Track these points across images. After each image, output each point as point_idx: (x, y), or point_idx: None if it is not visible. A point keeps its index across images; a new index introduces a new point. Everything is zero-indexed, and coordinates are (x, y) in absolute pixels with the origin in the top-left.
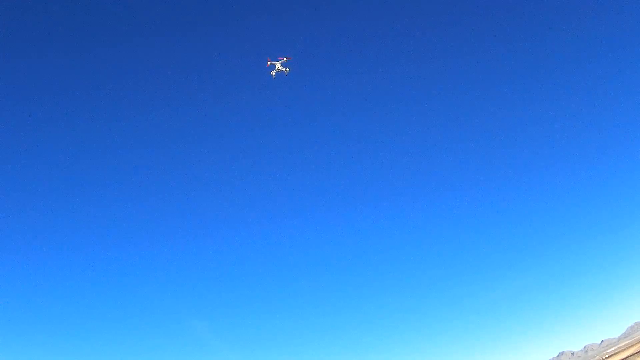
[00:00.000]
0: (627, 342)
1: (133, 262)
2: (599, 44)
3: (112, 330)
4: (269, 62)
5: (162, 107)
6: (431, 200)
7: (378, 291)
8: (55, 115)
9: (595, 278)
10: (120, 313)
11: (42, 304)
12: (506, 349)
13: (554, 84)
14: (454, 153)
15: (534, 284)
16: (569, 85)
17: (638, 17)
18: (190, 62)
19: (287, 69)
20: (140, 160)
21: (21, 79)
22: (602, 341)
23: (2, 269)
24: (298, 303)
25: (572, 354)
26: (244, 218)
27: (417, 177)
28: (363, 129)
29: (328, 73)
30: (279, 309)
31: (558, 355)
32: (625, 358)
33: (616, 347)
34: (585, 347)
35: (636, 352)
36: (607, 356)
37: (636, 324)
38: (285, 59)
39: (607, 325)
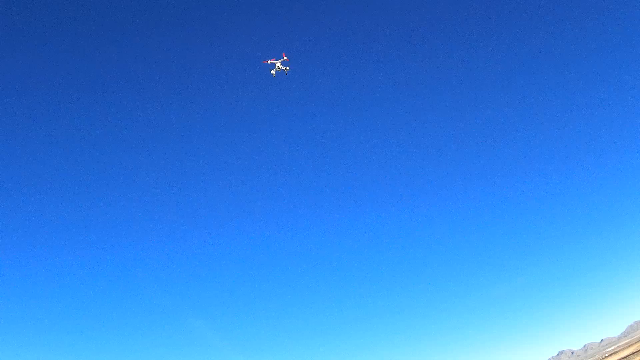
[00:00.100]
0: (627, 341)
1: (133, 262)
2: (599, 44)
3: (112, 329)
4: (268, 61)
5: (161, 107)
6: (430, 200)
7: (377, 291)
8: (55, 115)
9: (595, 277)
10: (120, 312)
11: (42, 303)
12: (506, 347)
13: (554, 84)
14: (453, 153)
15: (534, 283)
16: (568, 86)
17: (638, 17)
18: (190, 62)
19: (287, 68)
20: (140, 160)
21: (21, 79)
22: (602, 340)
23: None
24: (297, 302)
25: (572, 352)
26: (243, 217)
27: (416, 177)
28: (363, 129)
29: (328, 73)
30: (278, 308)
31: (558, 354)
32: (625, 357)
33: (616, 346)
34: (585, 345)
35: (636, 351)
36: (607, 355)
37: (636, 323)
38: (285, 58)
39: (607, 324)
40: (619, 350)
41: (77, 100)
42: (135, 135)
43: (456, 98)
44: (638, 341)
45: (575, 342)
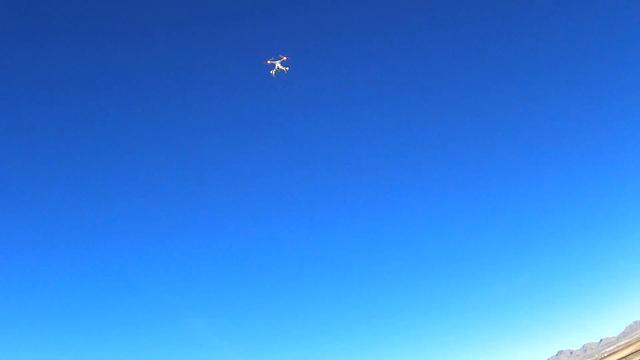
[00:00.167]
0: (626, 341)
1: (132, 261)
2: (599, 44)
3: (112, 328)
4: (268, 61)
5: (161, 107)
6: (429, 200)
7: (376, 290)
8: (55, 115)
9: (595, 277)
10: (119, 311)
11: (41, 303)
12: (505, 347)
13: (554, 83)
14: (452, 153)
15: (533, 283)
16: (568, 85)
17: (638, 17)
18: (190, 62)
19: (287, 68)
20: (139, 159)
21: (21, 79)
22: (601, 340)
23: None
24: (296, 301)
25: (571, 352)
26: (242, 217)
27: (414, 177)
28: (362, 129)
29: (328, 73)
30: (278, 308)
31: (557, 354)
32: (624, 357)
33: (615, 346)
34: (584, 346)
35: (635, 351)
36: (606, 355)
37: (635, 323)
38: (285, 58)
39: (606, 324)
40: (618, 350)
41: (77, 100)
42: (134, 134)
43: (455, 98)
44: (637, 341)
45: (574, 342)
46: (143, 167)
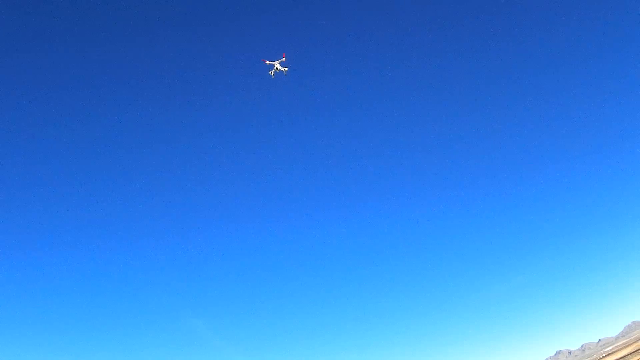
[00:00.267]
0: (624, 341)
1: (132, 261)
2: (599, 44)
3: (111, 328)
4: (267, 61)
5: (161, 106)
6: (428, 200)
7: (375, 290)
8: (55, 115)
9: (593, 277)
10: (119, 311)
11: (41, 303)
12: (504, 348)
13: (554, 83)
14: (451, 153)
15: (531, 283)
16: (568, 85)
17: (638, 17)
18: (189, 62)
19: (286, 69)
20: (139, 159)
21: (21, 79)
22: (600, 340)
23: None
24: (296, 301)
25: (570, 352)
26: (242, 217)
27: (413, 177)
28: (362, 129)
29: (327, 73)
30: (277, 308)
31: (555, 354)
32: (623, 357)
33: (613, 346)
34: (582, 346)
35: (633, 351)
36: (604, 355)
37: (634, 323)
38: (284, 59)
39: (605, 325)
40: (616, 351)
41: (77, 100)
42: (133, 134)
43: (454, 98)
44: (636, 341)
45: (572, 342)
46: (143, 168)
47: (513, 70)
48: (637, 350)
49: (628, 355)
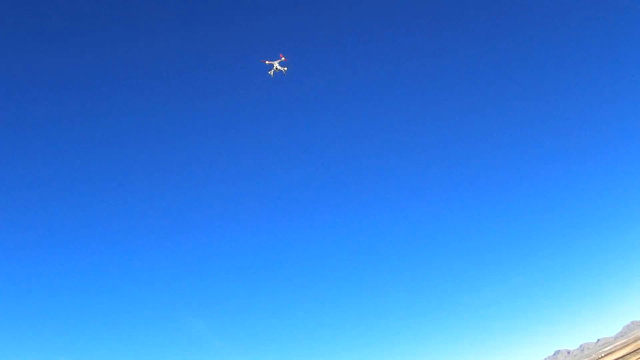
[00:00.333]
0: (623, 341)
1: (131, 261)
2: (599, 44)
3: (110, 328)
4: (266, 62)
5: (160, 106)
6: (426, 200)
7: (374, 290)
8: (55, 115)
9: (592, 277)
10: (118, 311)
11: (39, 302)
12: (502, 347)
13: (554, 83)
14: (449, 153)
15: (530, 282)
16: (568, 85)
17: (638, 17)
18: (189, 62)
19: (285, 69)
20: (138, 159)
21: (21, 79)
22: (599, 340)
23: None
24: (296, 301)
25: (569, 352)
26: (241, 216)
27: (412, 177)
28: (361, 129)
29: (326, 73)
30: (276, 308)
31: (554, 354)
32: (622, 357)
33: (612, 346)
34: (581, 345)
35: (632, 351)
36: (603, 355)
37: (632, 323)
38: (283, 59)
39: (604, 324)
40: (615, 350)
41: (76, 100)
42: (132, 134)
43: (453, 97)
44: (634, 341)
45: (571, 342)
46: (143, 168)
47: (513, 70)
48: (636, 350)
49: (627, 355)
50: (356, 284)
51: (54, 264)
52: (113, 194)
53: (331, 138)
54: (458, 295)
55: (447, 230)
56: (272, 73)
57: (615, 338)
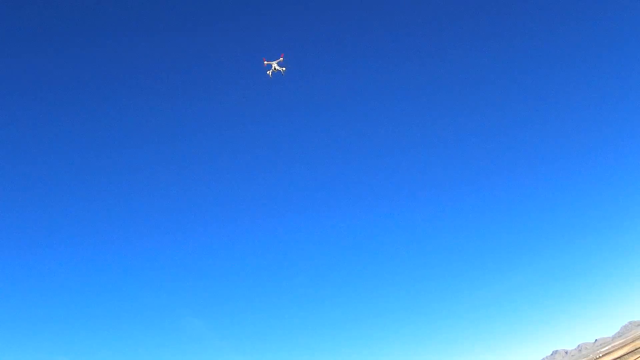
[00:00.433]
0: (621, 341)
1: (130, 261)
2: (599, 44)
3: (109, 328)
4: (265, 62)
5: (159, 106)
6: (425, 200)
7: (373, 289)
8: (55, 115)
9: (590, 277)
10: (118, 311)
11: (38, 302)
12: (500, 347)
13: (554, 83)
14: (447, 153)
15: (528, 282)
16: (568, 85)
17: (638, 17)
18: (188, 63)
19: (284, 69)
20: (137, 159)
21: (21, 79)
22: (596, 340)
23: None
24: (295, 301)
25: (566, 352)
26: (240, 216)
27: (410, 177)
28: (360, 129)
29: (325, 73)
30: (275, 307)
31: (552, 354)
32: (619, 357)
33: (610, 346)
34: (579, 346)
35: (630, 351)
36: (600, 355)
37: (630, 323)
38: (281, 59)
39: (601, 325)
40: (613, 351)
41: (76, 100)
42: (132, 134)
43: (453, 97)
44: (632, 341)
45: (569, 342)
46: (142, 167)
47: (513, 70)
48: (634, 350)
49: (625, 355)
50: (355, 284)
51: (53, 263)
52: (112, 194)
53: (331, 138)
54: (455, 296)
55: (445, 231)
56: (270, 73)
57: (613, 338)
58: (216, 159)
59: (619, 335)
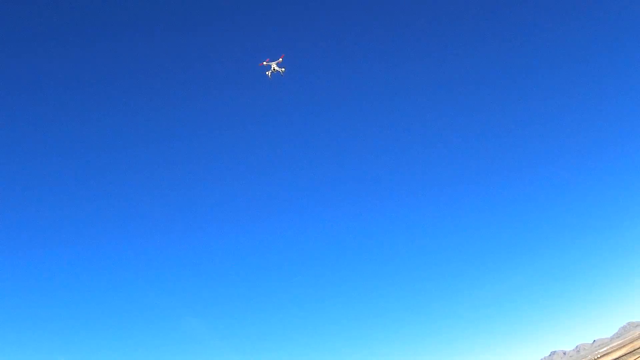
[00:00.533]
0: (619, 342)
1: (129, 260)
2: (599, 44)
3: (108, 328)
4: (264, 63)
5: (158, 106)
6: (423, 200)
7: (371, 289)
8: (55, 115)
9: (588, 278)
10: (116, 311)
11: (36, 302)
12: (498, 348)
13: (553, 83)
14: (446, 152)
15: (526, 283)
16: (568, 85)
17: (638, 17)
18: (188, 63)
19: (283, 69)
20: (137, 159)
21: (21, 79)
22: (595, 341)
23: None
24: (294, 301)
25: (564, 353)
26: (239, 216)
27: (409, 177)
28: (359, 129)
29: (324, 73)
30: (274, 307)
31: (550, 355)
32: (618, 358)
33: (608, 347)
34: (577, 346)
35: (628, 352)
36: (599, 356)
37: (629, 324)
38: (281, 59)
39: (600, 325)
40: (611, 351)
41: (76, 100)
42: (131, 134)
43: (453, 97)
44: (630, 342)
45: (567, 343)
46: (140, 167)
47: (513, 70)
48: (632, 351)
49: (623, 356)
50: (353, 284)
51: (52, 263)
52: (111, 193)
53: (330, 138)
54: (453, 296)
55: (443, 231)
56: (269, 74)
57: (612, 339)
58: (215, 159)
59: (618, 336)
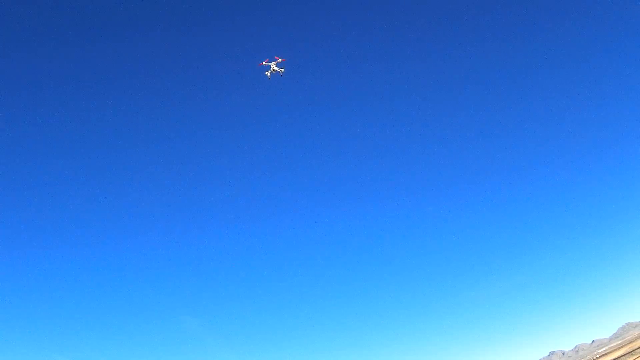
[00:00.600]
0: (618, 342)
1: (126, 260)
2: (599, 44)
3: (105, 327)
4: (264, 63)
5: (157, 107)
6: (423, 200)
7: (371, 289)
8: (55, 115)
9: (587, 278)
10: (113, 310)
11: (35, 302)
12: (497, 348)
13: (553, 83)
14: (446, 152)
15: (525, 283)
16: (568, 85)
17: (638, 17)
18: (188, 63)
19: (282, 70)
20: (135, 158)
21: (21, 79)
22: (593, 341)
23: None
24: (293, 301)
25: (563, 353)
26: (237, 215)
27: (409, 176)
28: (358, 129)
29: (324, 73)
30: (272, 307)
31: (549, 355)
32: (616, 358)
33: (607, 348)
34: (576, 347)
35: (627, 353)
36: (598, 356)
37: (627, 324)
38: (280, 60)
39: (599, 326)
40: (610, 352)
41: (76, 100)
42: (131, 133)
43: (452, 97)
44: (629, 342)
45: (566, 343)
46: (138, 167)
47: (513, 70)
48: (631, 351)
49: (622, 356)
50: (352, 283)
51: (50, 263)
52: (110, 193)
53: (330, 138)
54: (452, 296)
55: (443, 231)
56: (269, 74)
57: (610, 339)
58: (214, 159)
59: (616, 336)
